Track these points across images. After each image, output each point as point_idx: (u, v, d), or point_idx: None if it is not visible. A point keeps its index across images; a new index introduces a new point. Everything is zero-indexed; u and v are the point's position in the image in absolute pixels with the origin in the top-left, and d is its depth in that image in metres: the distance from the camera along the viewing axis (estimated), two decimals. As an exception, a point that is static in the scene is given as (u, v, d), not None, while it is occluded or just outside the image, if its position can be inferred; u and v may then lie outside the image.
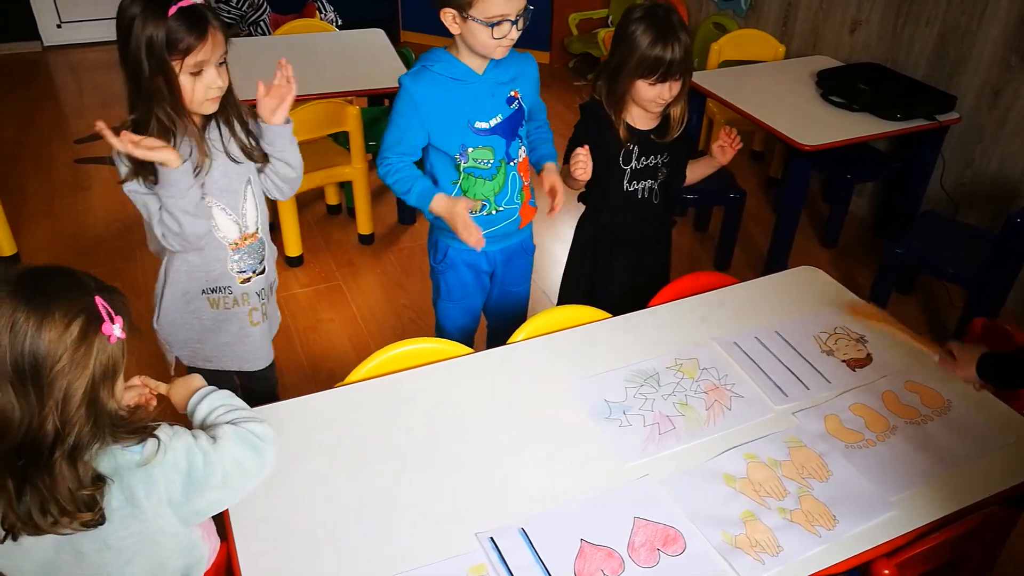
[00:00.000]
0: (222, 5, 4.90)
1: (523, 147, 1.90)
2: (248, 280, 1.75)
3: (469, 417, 1.49)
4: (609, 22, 5.06)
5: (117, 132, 1.40)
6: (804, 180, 2.86)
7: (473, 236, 1.76)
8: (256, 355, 1.88)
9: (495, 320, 2.19)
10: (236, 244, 1.70)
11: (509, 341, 1.73)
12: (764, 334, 1.74)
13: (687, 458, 1.42)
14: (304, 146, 3.05)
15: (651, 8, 1.82)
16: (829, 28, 3.61)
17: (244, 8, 4.83)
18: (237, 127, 1.62)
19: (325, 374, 2.58)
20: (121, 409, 1.08)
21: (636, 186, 2.02)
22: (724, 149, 1.98)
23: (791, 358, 1.67)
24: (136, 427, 1.08)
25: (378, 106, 3.53)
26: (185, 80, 1.45)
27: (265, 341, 1.89)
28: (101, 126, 1.40)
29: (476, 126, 1.79)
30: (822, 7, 3.63)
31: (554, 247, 3.28)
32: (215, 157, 1.59)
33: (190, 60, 1.43)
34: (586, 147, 1.85)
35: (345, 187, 3.39)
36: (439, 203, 1.79)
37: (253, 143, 1.64)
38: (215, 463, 1.14)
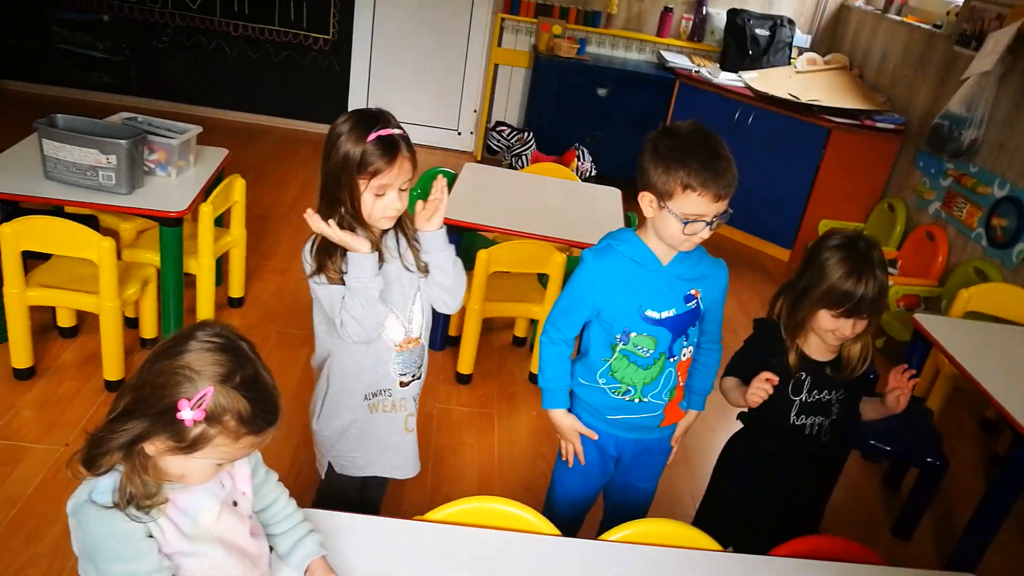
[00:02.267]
0: (494, 133, 5.40)
1: (688, 347, 1.81)
2: (407, 384, 1.81)
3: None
4: (862, 237, 4.82)
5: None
6: (1026, 471, 2.43)
7: (570, 453, 1.90)
8: (408, 462, 1.91)
9: (613, 510, 2.06)
10: (400, 347, 1.76)
11: (601, 537, 1.61)
12: (892, 639, 1.46)
13: None
14: (507, 277, 3.21)
15: (852, 239, 1.71)
16: (1111, 309, 3.14)
17: (512, 140, 5.28)
18: (412, 239, 1.74)
19: (442, 498, 2.56)
20: (158, 475, 1.09)
21: (804, 420, 1.84)
22: (898, 397, 1.79)
23: None
24: (134, 493, 1.07)
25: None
26: (367, 198, 1.59)
27: (416, 448, 1.92)
28: (310, 212, 1.57)
29: (646, 313, 1.74)
30: (1108, 284, 3.17)
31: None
32: (390, 262, 1.70)
33: (376, 181, 1.57)
34: (773, 376, 1.74)
35: (534, 324, 3.46)
36: (560, 416, 1.88)
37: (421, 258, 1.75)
38: None
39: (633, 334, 1.75)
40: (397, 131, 1.60)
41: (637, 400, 1.82)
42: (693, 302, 1.76)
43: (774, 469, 1.90)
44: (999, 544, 2.53)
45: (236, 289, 3.45)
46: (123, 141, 2.69)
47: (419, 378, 1.84)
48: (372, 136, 1.55)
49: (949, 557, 2.58)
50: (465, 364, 3.19)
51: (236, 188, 3.18)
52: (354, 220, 1.61)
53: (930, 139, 4.25)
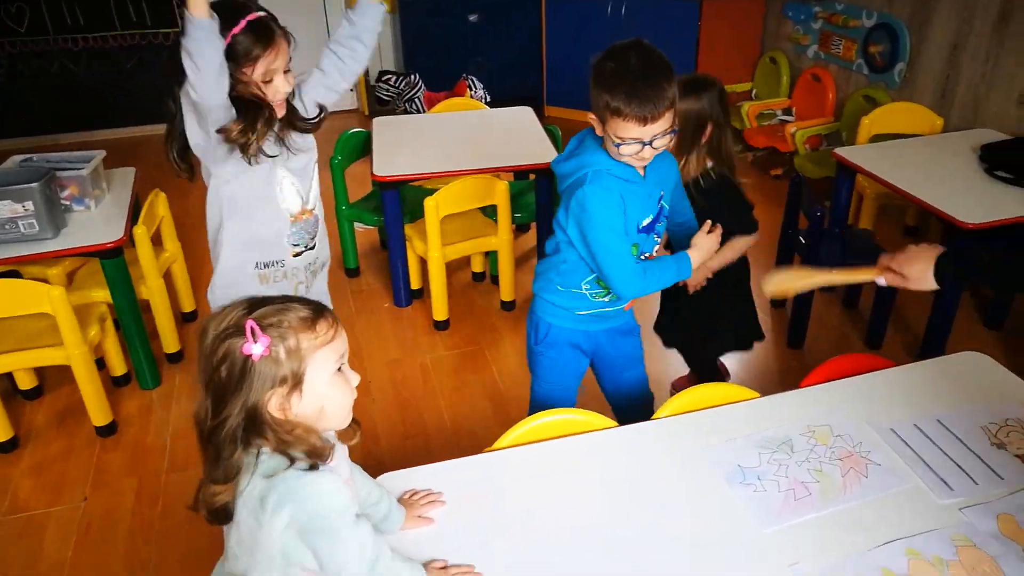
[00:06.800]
0: (381, 84, 5.31)
1: (659, 241, 1.92)
2: (299, 254, 1.91)
3: (607, 488, 1.50)
4: (753, 95, 5.06)
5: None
6: (966, 259, 2.71)
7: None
8: None
9: (622, 409, 2.14)
10: (295, 217, 1.86)
11: (654, 416, 1.74)
12: (924, 423, 1.66)
13: (841, 545, 1.37)
14: (455, 218, 3.23)
15: None
16: (993, 101, 3.46)
17: (401, 86, 5.20)
18: (287, 124, 1.81)
19: (467, 436, 2.66)
20: (294, 423, 1.10)
21: None
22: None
23: (956, 449, 1.58)
24: (293, 447, 1.09)
25: (524, 180, 3.67)
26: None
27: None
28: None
29: (640, 224, 1.82)
30: (984, 80, 3.49)
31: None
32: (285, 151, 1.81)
33: (260, 69, 1.62)
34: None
35: (490, 256, 3.53)
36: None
37: (301, 122, 1.84)
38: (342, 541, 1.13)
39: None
40: (262, 13, 1.59)
41: (609, 298, 1.92)
42: (661, 201, 1.86)
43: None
44: (956, 330, 2.83)
45: (187, 303, 3.35)
46: (34, 184, 2.55)
47: (312, 248, 1.94)
48: (239, 25, 1.54)
49: (918, 351, 2.88)
50: (439, 311, 3.24)
51: (160, 204, 3.07)
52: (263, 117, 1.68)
53: (794, -14, 4.46)
